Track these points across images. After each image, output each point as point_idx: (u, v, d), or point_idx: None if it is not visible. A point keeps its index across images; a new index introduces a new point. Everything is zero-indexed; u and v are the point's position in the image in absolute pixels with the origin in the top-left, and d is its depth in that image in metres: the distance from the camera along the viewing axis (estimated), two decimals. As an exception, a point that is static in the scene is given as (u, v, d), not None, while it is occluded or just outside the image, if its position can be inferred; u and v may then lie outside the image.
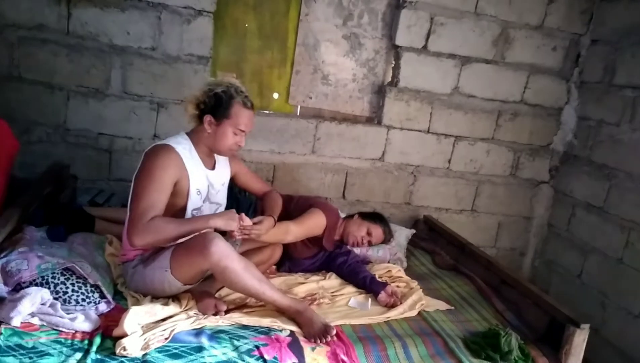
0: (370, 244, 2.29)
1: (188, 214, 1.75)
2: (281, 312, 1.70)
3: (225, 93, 1.72)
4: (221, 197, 1.89)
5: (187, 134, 1.79)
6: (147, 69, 2.36)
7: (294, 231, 2.02)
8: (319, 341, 1.60)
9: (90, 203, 2.24)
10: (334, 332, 1.63)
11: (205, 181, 1.79)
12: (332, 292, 2.00)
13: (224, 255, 1.57)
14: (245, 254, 1.87)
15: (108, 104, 2.37)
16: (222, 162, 1.89)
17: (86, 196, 2.28)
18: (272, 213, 1.94)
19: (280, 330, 1.64)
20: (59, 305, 1.51)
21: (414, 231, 2.63)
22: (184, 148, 1.73)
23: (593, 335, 1.85)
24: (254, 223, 1.78)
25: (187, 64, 2.39)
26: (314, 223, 2.09)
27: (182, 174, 1.69)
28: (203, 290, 1.76)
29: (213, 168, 1.84)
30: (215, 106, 1.72)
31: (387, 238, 2.37)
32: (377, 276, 2.11)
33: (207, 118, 1.73)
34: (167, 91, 2.40)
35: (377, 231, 2.29)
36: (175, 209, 1.72)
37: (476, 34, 2.74)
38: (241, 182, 2.03)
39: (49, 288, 1.55)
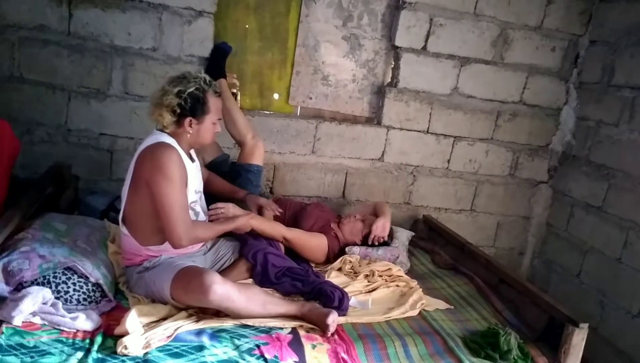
0: (368, 232, 2.32)
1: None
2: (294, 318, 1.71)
3: (198, 89, 1.67)
4: (199, 183, 1.87)
5: (164, 133, 1.72)
6: (148, 70, 2.37)
7: (290, 240, 2.09)
8: (330, 329, 1.64)
9: (109, 207, 2.25)
10: (331, 319, 1.65)
11: (193, 175, 1.78)
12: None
13: (224, 299, 1.58)
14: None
15: (109, 104, 2.38)
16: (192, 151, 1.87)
17: (103, 201, 2.28)
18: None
19: (282, 329, 1.65)
20: (60, 304, 1.52)
21: (413, 233, 2.64)
22: (175, 145, 1.70)
23: (592, 335, 1.85)
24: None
25: (188, 65, 2.40)
26: (313, 245, 2.17)
27: (183, 171, 1.69)
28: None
29: (192, 160, 1.82)
30: (193, 106, 1.67)
31: (386, 240, 2.37)
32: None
33: (187, 120, 1.68)
34: (167, 91, 2.41)
35: (371, 218, 2.37)
36: None
37: (475, 35, 2.75)
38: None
39: (51, 287, 1.56)
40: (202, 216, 1.86)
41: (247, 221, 1.90)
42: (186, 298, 1.63)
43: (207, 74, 2.22)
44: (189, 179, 1.73)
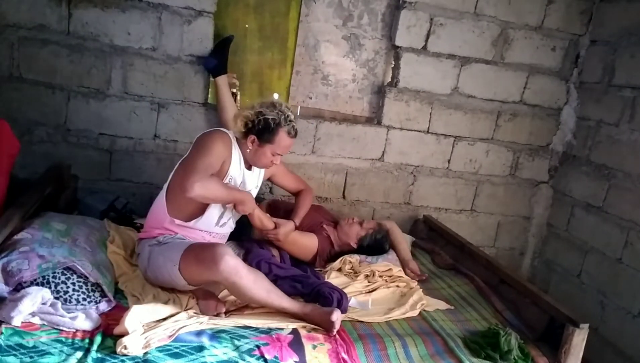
0: (364, 235, 2.28)
1: None
2: (294, 317, 1.71)
3: (274, 121, 1.83)
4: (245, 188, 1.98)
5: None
6: (147, 70, 2.37)
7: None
8: (335, 327, 1.65)
9: (109, 207, 2.25)
10: (335, 316, 1.65)
11: (240, 176, 1.91)
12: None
13: (233, 273, 1.60)
14: None
15: (109, 104, 2.37)
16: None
17: (102, 201, 2.27)
18: (296, 215, 2.12)
19: (282, 329, 1.65)
20: (59, 304, 1.51)
21: (412, 238, 2.63)
22: (232, 138, 1.89)
23: (592, 335, 1.85)
24: (275, 223, 2.01)
25: (188, 65, 2.40)
26: (304, 243, 2.17)
27: (227, 156, 1.84)
28: (206, 290, 1.77)
29: (250, 168, 1.96)
30: (262, 129, 1.83)
31: (383, 245, 2.34)
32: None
33: (251, 138, 1.85)
34: (167, 91, 2.41)
35: (369, 222, 2.36)
36: None
37: (475, 35, 2.75)
38: (277, 182, 2.23)
39: (50, 287, 1.55)
40: (231, 223, 1.96)
41: (253, 204, 1.91)
42: (196, 268, 1.65)
43: (218, 67, 2.31)
44: (231, 170, 1.86)
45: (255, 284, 1.65)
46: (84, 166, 2.39)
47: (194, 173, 1.68)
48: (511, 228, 3.11)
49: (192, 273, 1.67)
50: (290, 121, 1.85)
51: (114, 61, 2.33)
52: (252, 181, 1.99)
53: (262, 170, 2.04)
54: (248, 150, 1.87)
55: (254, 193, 2.02)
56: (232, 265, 1.60)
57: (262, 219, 2.00)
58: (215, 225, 1.89)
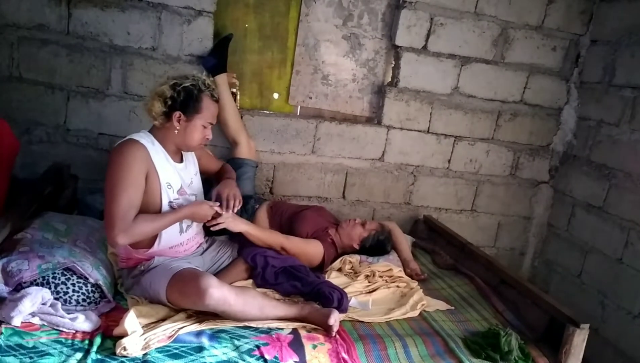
0: (367, 236, 2.27)
1: (165, 208, 1.70)
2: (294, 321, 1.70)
3: (195, 87, 1.67)
4: (196, 187, 1.85)
5: (150, 131, 1.75)
6: (147, 69, 2.36)
7: (288, 250, 2.01)
8: (334, 330, 1.63)
9: None
10: (333, 319, 1.64)
11: (175, 175, 1.75)
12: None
13: (220, 303, 1.55)
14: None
15: (108, 104, 2.37)
16: (188, 153, 1.86)
17: (102, 200, 2.24)
18: (230, 174, 1.97)
19: (282, 329, 1.65)
20: (59, 305, 1.51)
21: (412, 238, 2.63)
22: (147, 141, 1.69)
23: (592, 335, 1.85)
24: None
25: (188, 65, 2.39)
26: (310, 253, 2.09)
27: (150, 167, 1.66)
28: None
29: (180, 161, 1.80)
30: (185, 101, 1.66)
31: (386, 246, 2.32)
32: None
33: (177, 115, 1.67)
34: (167, 91, 2.41)
35: (371, 223, 2.34)
36: (151, 205, 1.68)
37: (476, 34, 2.75)
38: (204, 166, 1.98)
39: (50, 288, 1.56)
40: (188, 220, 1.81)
41: (205, 209, 1.75)
42: (182, 302, 1.61)
43: (217, 66, 2.27)
44: (162, 178, 1.69)
45: (246, 306, 1.60)
46: (83, 166, 2.38)
47: (113, 225, 1.54)
48: (511, 228, 3.10)
49: (182, 305, 1.62)
50: (208, 84, 1.69)
51: (113, 61, 2.33)
52: (189, 171, 1.82)
53: (194, 156, 1.88)
54: (176, 131, 1.68)
55: (197, 181, 1.86)
56: (217, 296, 1.53)
57: (260, 234, 1.88)
58: (180, 234, 1.77)
